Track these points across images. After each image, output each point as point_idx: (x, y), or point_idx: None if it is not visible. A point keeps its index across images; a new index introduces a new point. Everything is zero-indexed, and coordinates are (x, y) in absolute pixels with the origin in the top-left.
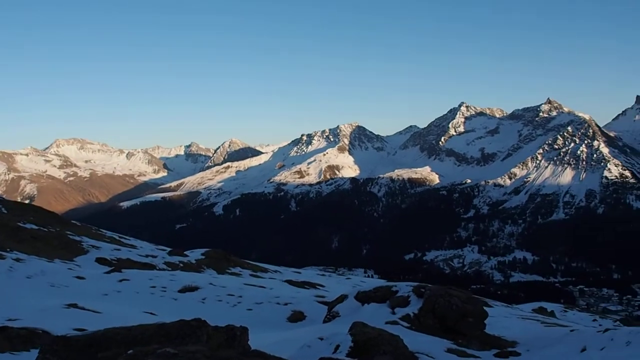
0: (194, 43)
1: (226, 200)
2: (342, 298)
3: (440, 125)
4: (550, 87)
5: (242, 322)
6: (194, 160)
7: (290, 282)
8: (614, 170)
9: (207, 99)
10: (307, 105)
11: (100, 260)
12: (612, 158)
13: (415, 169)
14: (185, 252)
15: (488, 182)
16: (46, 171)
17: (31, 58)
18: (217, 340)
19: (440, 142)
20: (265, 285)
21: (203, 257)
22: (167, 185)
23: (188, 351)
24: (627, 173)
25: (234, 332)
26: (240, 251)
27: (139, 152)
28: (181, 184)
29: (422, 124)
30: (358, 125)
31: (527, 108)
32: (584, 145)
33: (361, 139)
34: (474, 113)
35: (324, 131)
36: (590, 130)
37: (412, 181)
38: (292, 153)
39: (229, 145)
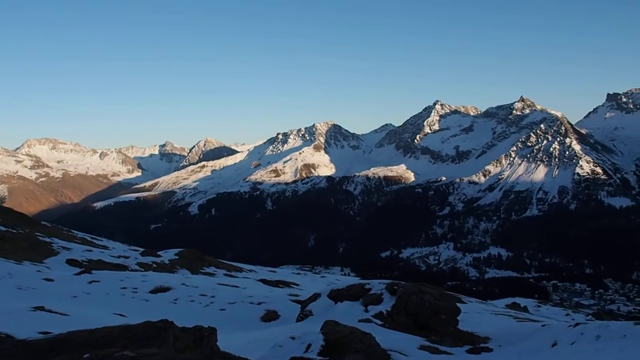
0: (167, 42)
1: (202, 200)
2: (315, 297)
3: (416, 123)
4: (523, 85)
5: (214, 323)
6: (169, 159)
7: (264, 281)
8: (585, 167)
9: (181, 98)
10: (282, 104)
11: (71, 262)
12: (584, 155)
13: (390, 167)
14: (158, 253)
15: (463, 179)
16: (17, 172)
17: None
18: (184, 341)
19: (416, 140)
20: (238, 285)
21: (176, 257)
22: (142, 185)
23: (148, 354)
24: (598, 170)
25: (202, 333)
26: (216, 251)
27: (112, 151)
28: (156, 184)
29: (398, 122)
30: (334, 124)
31: (501, 106)
32: (556, 143)
33: (337, 137)
34: (448, 111)
35: (299, 130)
36: (563, 128)
37: (387, 179)
38: (268, 152)
39: (204, 145)
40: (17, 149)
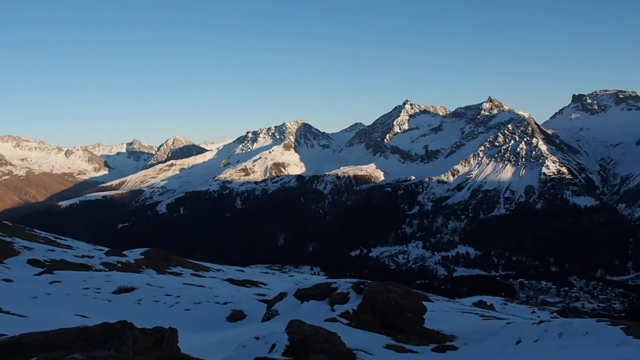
0: (132, 41)
1: (170, 199)
2: (281, 296)
3: (385, 122)
4: (491, 85)
5: (179, 323)
6: (137, 158)
7: (231, 280)
8: (551, 166)
9: (149, 95)
10: (252, 103)
11: (33, 262)
12: (550, 155)
13: (360, 166)
14: (124, 252)
15: (432, 178)
16: None
17: None
18: (143, 343)
19: (385, 140)
20: (205, 285)
21: (142, 257)
22: (109, 183)
23: (100, 357)
24: (564, 169)
25: (162, 334)
26: (185, 250)
27: (78, 149)
28: (123, 183)
29: (368, 121)
30: (304, 123)
31: (469, 106)
32: (523, 143)
33: (307, 136)
34: (418, 111)
35: (269, 129)
36: (530, 128)
37: (357, 178)
38: (238, 150)
39: (173, 143)
40: None
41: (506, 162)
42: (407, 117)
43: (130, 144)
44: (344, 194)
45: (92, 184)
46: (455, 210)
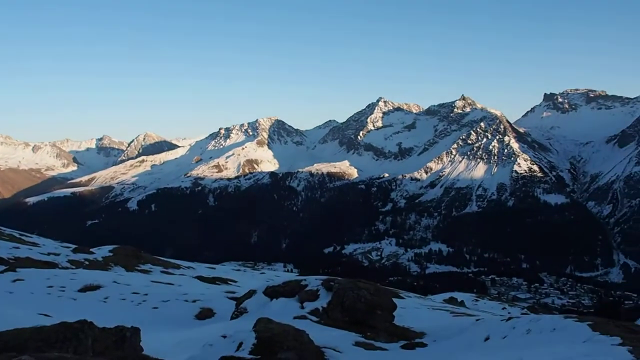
0: (103, 37)
1: (141, 196)
2: (250, 293)
3: (359, 120)
4: (464, 84)
5: (146, 322)
6: (107, 154)
7: (200, 278)
8: (523, 164)
9: (120, 90)
10: (225, 99)
11: None
12: (521, 153)
13: (334, 163)
14: (91, 250)
15: (405, 176)
16: None
17: None
18: (104, 343)
19: (359, 137)
20: (173, 283)
21: (111, 254)
22: (78, 180)
23: (49, 358)
24: (535, 167)
25: (124, 333)
26: (156, 247)
27: (46, 145)
28: (92, 179)
29: (341, 118)
30: (277, 120)
31: (443, 104)
32: (495, 141)
33: (280, 133)
34: (391, 108)
35: (242, 125)
36: (502, 126)
37: (331, 175)
38: (210, 147)
39: (144, 139)
40: None
41: (479, 159)
42: (380, 115)
43: (100, 139)
44: (318, 191)
45: (60, 180)
46: (428, 208)
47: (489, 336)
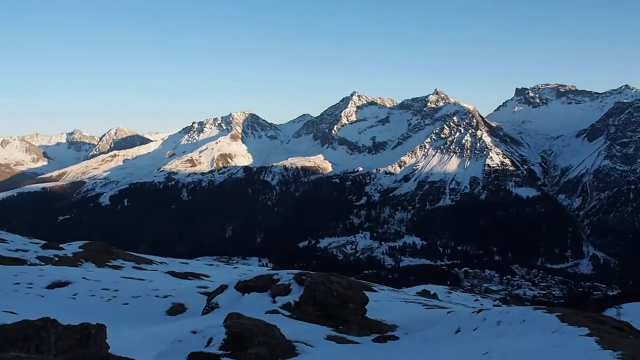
0: (73, 26)
1: (113, 191)
2: (222, 288)
3: (333, 114)
4: (437, 78)
5: (116, 318)
6: (78, 148)
7: (172, 273)
8: (495, 158)
9: (91, 84)
10: (198, 93)
11: None
12: (493, 147)
13: (308, 158)
14: (61, 246)
15: (379, 170)
16: None
17: None
18: (68, 341)
19: (333, 131)
20: (145, 278)
21: (81, 250)
22: (48, 175)
23: (4, 358)
24: (507, 161)
25: (89, 330)
26: (129, 243)
27: (15, 139)
28: (63, 174)
29: (315, 112)
30: (251, 113)
31: (416, 98)
32: (468, 135)
33: (254, 127)
34: (365, 102)
35: (216, 119)
36: (474, 121)
37: (305, 169)
38: (183, 141)
39: (116, 133)
40: None
41: (452, 153)
42: (354, 109)
43: (71, 134)
44: (292, 185)
45: (30, 176)
46: (402, 201)
47: (460, 328)
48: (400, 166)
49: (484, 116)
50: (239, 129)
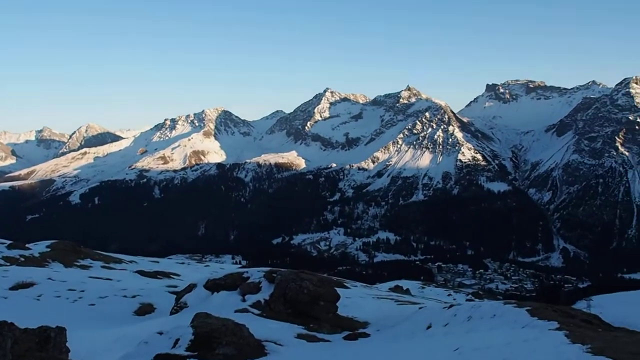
0: (42, 24)
1: (84, 189)
2: (190, 287)
3: (306, 110)
4: (410, 74)
5: (81, 319)
6: (47, 146)
7: (141, 272)
8: (467, 153)
9: (60, 80)
10: (170, 90)
11: None
12: (465, 142)
13: (282, 154)
14: (28, 245)
15: (352, 166)
16: None
17: None
18: (25, 344)
19: (306, 127)
20: (112, 278)
21: (48, 249)
22: (16, 173)
23: None
24: (478, 156)
25: (48, 333)
26: (100, 242)
27: None
28: (32, 172)
29: (288, 109)
30: (224, 110)
31: (389, 94)
32: (440, 130)
33: (227, 123)
34: (338, 99)
35: (188, 116)
36: (446, 116)
37: (279, 166)
38: (155, 138)
39: (86, 130)
40: None
41: (424, 149)
42: (327, 105)
43: (40, 131)
44: (266, 182)
45: None
46: (375, 197)
47: (431, 324)
48: (374, 162)
49: (455, 112)
50: (212, 126)
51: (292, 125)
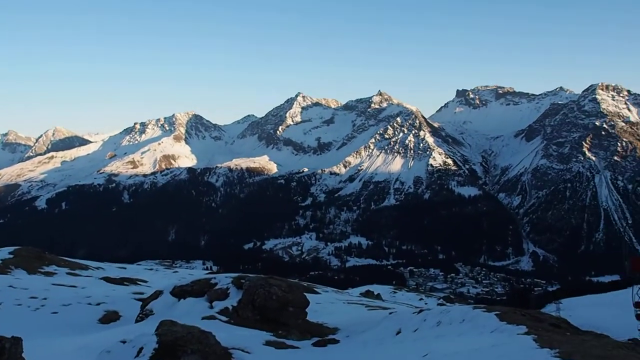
0: (9, 24)
1: (50, 194)
2: (157, 294)
3: (278, 114)
4: (381, 80)
5: (43, 328)
6: (12, 150)
7: (107, 279)
8: (438, 158)
9: (26, 82)
10: (139, 93)
11: None
12: (436, 147)
13: (253, 158)
14: None
15: (324, 170)
16: None
17: None
18: None
19: (278, 132)
20: (77, 285)
21: (11, 256)
22: None
23: None
24: (449, 161)
25: (2, 344)
26: (68, 248)
27: None
28: None
29: (260, 113)
30: (195, 114)
31: (360, 99)
32: (411, 135)
33: (198, 128)
34: (310, 103)
35: (158, 120)
36: (417, 121)
37: (250, 170)
38: (125, 142)
39: (53, 134)
40: None
41: (395, 154)
42: (299, 110)
43: (5, 134)
44: (237, 187)
45: None
46: (347, 202)
47: (400, 329)
48: (345, 167)
49: (426, 117)
50: (183, 130)
51: (264, 130)
